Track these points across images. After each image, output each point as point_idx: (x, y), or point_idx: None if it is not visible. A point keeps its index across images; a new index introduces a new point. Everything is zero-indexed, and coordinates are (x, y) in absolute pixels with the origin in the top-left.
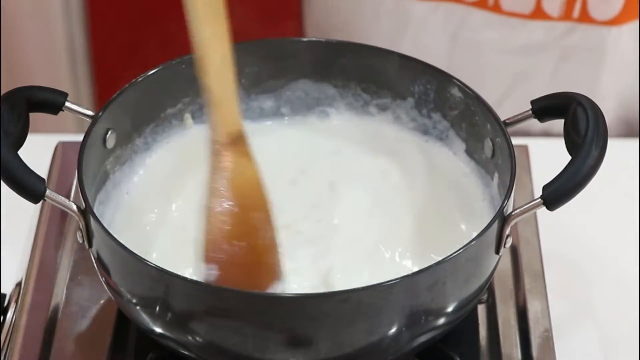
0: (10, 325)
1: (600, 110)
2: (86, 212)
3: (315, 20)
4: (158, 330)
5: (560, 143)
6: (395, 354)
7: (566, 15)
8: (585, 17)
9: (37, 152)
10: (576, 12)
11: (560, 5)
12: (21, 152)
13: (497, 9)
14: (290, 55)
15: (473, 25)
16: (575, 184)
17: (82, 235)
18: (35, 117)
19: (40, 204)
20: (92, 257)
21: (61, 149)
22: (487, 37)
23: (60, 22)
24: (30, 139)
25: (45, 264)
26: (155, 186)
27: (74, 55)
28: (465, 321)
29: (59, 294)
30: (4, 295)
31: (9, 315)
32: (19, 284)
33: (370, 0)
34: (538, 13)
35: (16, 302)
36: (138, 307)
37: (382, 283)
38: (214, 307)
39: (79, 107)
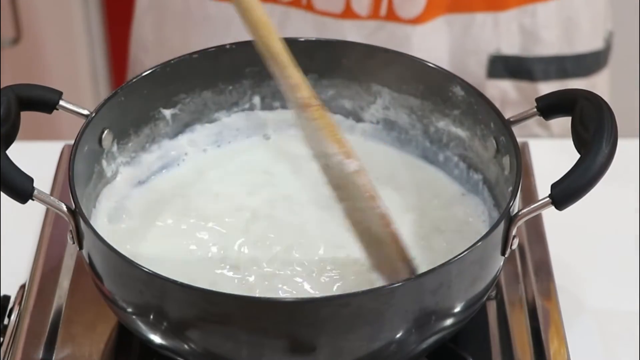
0: (13, 328)
1: (608, 105)
2: (76, 213)
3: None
4: (152, 337)
5: (561, 143)
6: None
7: (374, 14)
8: (391, 16)
9: (46, 158)
10: (383, 11)
11: (368, 5)
12: (30, 158)
13: (310, 8)
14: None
15: (291, 25)
16: (585, 182)
17: (73, 237)
18: (48, 123)
19: (45, 207)
20: (84, 260)
21: (67, 152)
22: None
23: (80, 23)
24: (39, 145)
25: (49, 267)
26: (153, 186)
27: (94, 60)
28: (475, 320)
29: (62, 296)
30: (8, 297)
31: (13, 317)
32: (22, 287)
33: (182, 13)
34: (348, 13)
35: (20, 304)
36: (129, 311)
37: (384, 287)
38: (208, 312)
39: (74, 105)
